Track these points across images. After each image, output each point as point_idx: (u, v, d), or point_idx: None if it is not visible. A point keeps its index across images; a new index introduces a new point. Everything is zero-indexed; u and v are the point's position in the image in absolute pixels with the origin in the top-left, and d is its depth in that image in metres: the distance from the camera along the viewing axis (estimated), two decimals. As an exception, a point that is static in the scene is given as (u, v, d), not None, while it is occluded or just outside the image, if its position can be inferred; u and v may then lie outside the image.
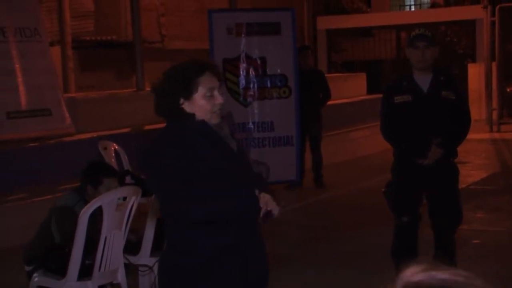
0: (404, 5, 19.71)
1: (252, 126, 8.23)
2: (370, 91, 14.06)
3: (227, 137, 2.90)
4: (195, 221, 2.80)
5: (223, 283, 2.83)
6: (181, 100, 2.82)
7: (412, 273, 1.10)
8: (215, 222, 2.80)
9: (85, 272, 4.30)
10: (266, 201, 2.81)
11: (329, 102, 9.58)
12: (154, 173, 2.84)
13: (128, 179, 5.36)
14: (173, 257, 2.89)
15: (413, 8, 19.48)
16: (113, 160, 6.95)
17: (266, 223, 2.91)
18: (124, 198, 4.45)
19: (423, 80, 4.68)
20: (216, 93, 2.85)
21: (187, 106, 2.83)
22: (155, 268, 4.34)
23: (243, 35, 8.21)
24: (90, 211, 4.22)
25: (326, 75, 10.05)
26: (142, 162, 2.94)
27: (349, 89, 13.54)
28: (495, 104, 14.66)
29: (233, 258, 2.82)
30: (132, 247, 4.88)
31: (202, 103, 2.82)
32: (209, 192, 2.77)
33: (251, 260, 2.88)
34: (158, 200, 3.00)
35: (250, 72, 8.22)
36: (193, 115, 2.83)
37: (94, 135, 8.05)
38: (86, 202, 4.43)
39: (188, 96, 2.81)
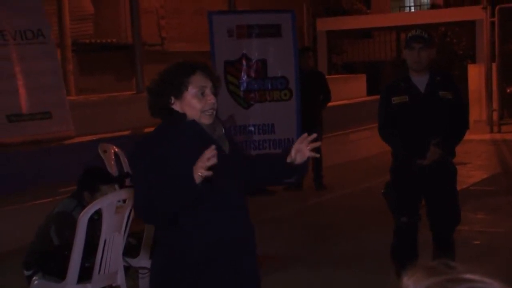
0: (404, 6, 19.72)
1: (252, 129, 8.22)
2: (370, 92, 14.05)
3: (219, 139, 2.88)
4: (164, 213, 2.75)
5: (216, 280, 2.81)
6: (172, 100, 2.85)
7: (418, 279, 1.05)
8: (205, 221, 2.78)
9: (85, 275, 4.30)
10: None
11: (329, 104, 9.57)
12: (135, 171, 2.87)
13: (128, 181, 5.36)
14: (164, 256, 2.86)
15: (413, 9, 19.48)
16: (113, 162, 6.94)
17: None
18: (124, 201, 4.45)
19: (420, 81, 4.68)
20: (208, 92, 2.85)
21: (177, 106, 2.85)
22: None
23: (244, 37, 8.19)
24: (90, 213, 4.22)
25: (326, 76, 10.04)
26: (129, 160, 2.96)
27: (349, 90, 13.54)
28: (495, 105, 14.64)
29: (225, 255, 2.80)
30: (131, 249, 4.88)
31: (193, 102, 2.83)
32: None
33: (243, 259, 2.86)
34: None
35: (251, 75, 8.21)
36: (184, 114, 2.84)
37: (94, 138, 8.04)
38: (83, 207, 4.41)
39: (179, 95, 2.84)
